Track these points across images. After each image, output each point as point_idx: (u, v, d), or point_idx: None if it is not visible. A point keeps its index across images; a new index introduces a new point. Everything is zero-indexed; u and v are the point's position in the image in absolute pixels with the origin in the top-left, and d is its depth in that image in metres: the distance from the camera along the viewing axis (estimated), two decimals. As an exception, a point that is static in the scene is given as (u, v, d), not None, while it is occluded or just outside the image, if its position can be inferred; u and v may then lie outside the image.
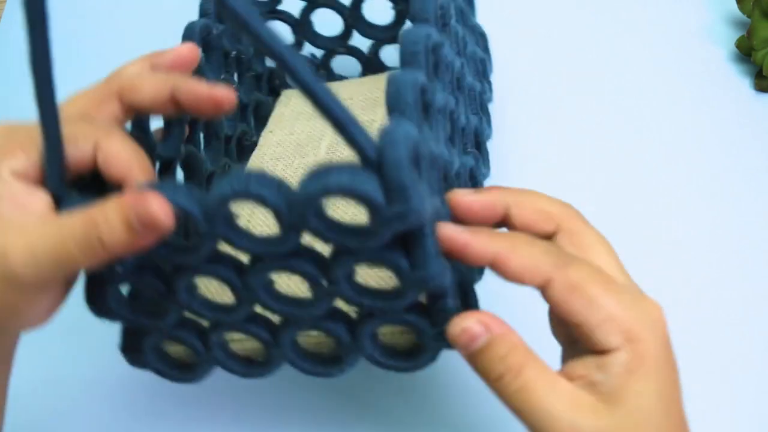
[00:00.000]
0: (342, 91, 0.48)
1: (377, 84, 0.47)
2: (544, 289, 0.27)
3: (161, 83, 0.30)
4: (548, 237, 0.29)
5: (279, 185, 0.25)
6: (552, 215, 0.30)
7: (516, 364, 0.27)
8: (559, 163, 0.52)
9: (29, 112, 0.49)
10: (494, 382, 0.27)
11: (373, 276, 0.32)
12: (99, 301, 0.30)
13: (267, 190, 0.25)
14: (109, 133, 0.29)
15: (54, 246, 0.26)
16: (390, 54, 0.50)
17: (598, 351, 0.27)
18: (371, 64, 0.51)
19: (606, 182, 0.51)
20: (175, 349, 0.34)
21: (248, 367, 0.33)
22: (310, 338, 0.33)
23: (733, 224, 0.49)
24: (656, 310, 0.28)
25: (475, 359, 0.28)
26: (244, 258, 0.29)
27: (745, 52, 0.55)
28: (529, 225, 0.29)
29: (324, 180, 0.24)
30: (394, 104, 0.28)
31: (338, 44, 0.51)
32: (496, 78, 0.53)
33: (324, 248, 0.28)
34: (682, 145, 0.53)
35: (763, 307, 0.45)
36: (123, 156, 0.29)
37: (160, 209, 0.25)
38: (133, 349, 0.33)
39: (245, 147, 0.45)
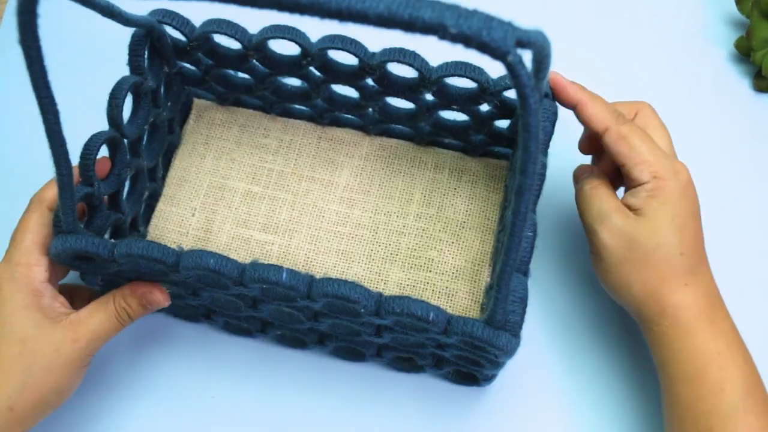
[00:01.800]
0: None
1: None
2: (602, 135, 0.40)
3: None
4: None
5: None
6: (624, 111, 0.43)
7: (596, 183, 0.42)
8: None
9: (28, 111, 0.50)
10: (580, 190, 0.42)
11: None
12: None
13: None
14: None
15: (107, 326, 0.40)
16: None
17: (635, 185, 0.40)
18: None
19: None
20: None
21: None
22: None
23: (732, 223, 0.50)
24: (681, 167, 0.40)
25: (578, 184, 0.43)
26: None
27: (744, 52, 0.55)
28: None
29: None
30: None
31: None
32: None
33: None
34: (682, 145, 0.51)
35: (761, 304, 0.48)
36: None
37: (161, 296, 0.41)
38: None
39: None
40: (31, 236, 0.39)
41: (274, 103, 0.50)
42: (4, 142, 0.54)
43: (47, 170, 0.49)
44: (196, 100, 0.52)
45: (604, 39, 0.57)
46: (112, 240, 0.38)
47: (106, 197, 0.43)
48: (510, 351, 0.36)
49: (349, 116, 0.50)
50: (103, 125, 0.41)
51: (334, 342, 0.44)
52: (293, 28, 0.42)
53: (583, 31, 0.57)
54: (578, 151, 0.45)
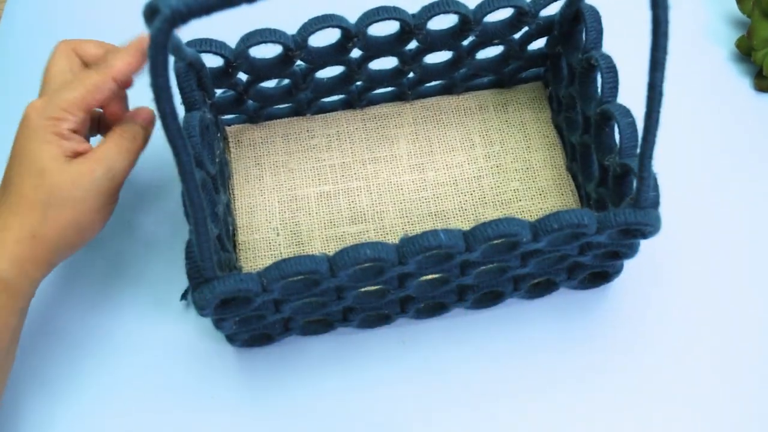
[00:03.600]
0: None
1: None
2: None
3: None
4: None
5: None
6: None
7: None
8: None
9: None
10: None
11: None
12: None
13: None
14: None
15: (122, 153, 0.41)
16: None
17: None
18: None
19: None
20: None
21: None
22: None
23: (732, 222, 0.50)
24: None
25: None
26: None
27: (745, 51, 0.54)
28: None
29: None
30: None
31: None
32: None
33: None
34: (682, 144, 0.52)
35: (762, 301, 0.48)
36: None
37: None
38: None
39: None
40: (83, 91, 0.39)
41: (311, 101, 0.50)
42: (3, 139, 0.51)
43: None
44: (227, 128, 0.51)
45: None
46: (254, 272, 0.37)
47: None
48: (659, 226, 0.39)
49: (385, 90, 0.51)
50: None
51: (474, 293, 0.45)
52: (333, 15, 0.42)
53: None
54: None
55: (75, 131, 0.40)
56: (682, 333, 0.47)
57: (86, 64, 0.42)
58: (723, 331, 0.47)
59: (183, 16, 0.25)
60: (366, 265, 0.37)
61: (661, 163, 0.47)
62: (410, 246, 0.37)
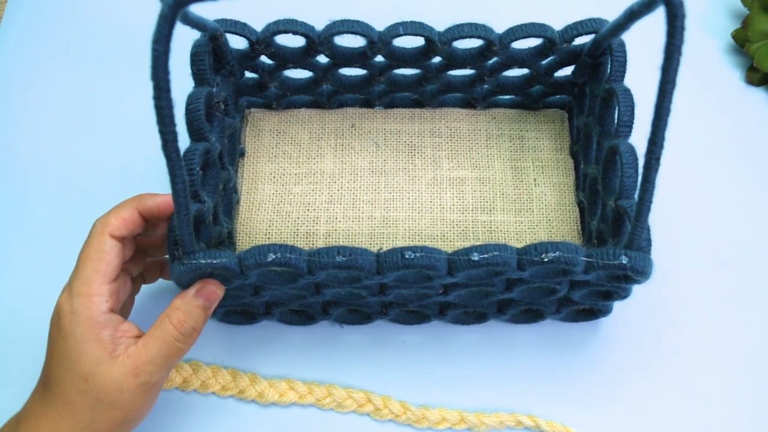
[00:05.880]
0: None
1: None
2: None
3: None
4: None
5: None
6: None
7: None
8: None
9: (26, 109, 0.51)
10: None
11: None
12: None
13: None
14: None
15: (168, 352, 0.37)
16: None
17: None
18: None
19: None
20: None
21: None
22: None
23: (716, 216, 0.49)
24: None
25: None
26: None
27: (740, 43, 0.53)
28: None
29: None
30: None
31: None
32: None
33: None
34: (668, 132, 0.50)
35: (750, 294, 0.48)
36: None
37: (214, 286, 0.39)
38: None
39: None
40: (91, 264, 0.37)
41: (331, 95, 0.50)
42: (3, 139, 0.53)
43: (48, 167, 0.52)
44: (247, 110, 0.52)
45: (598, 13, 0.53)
46: (236, 253, 0.37)
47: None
48: (650, 273, 0.38)
49: (407, 93, 0.51)
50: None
51: (456, 310, 0.45)
52: (359, 22, 0.43)
53: (577, 9, 0.52)
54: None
55: (109, 310, 0.37)
56: (670, 368, 0.46)
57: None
58: (714, 363, 0.46)
59: None
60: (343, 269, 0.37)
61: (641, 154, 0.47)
62: (386, 256, 0.36)
